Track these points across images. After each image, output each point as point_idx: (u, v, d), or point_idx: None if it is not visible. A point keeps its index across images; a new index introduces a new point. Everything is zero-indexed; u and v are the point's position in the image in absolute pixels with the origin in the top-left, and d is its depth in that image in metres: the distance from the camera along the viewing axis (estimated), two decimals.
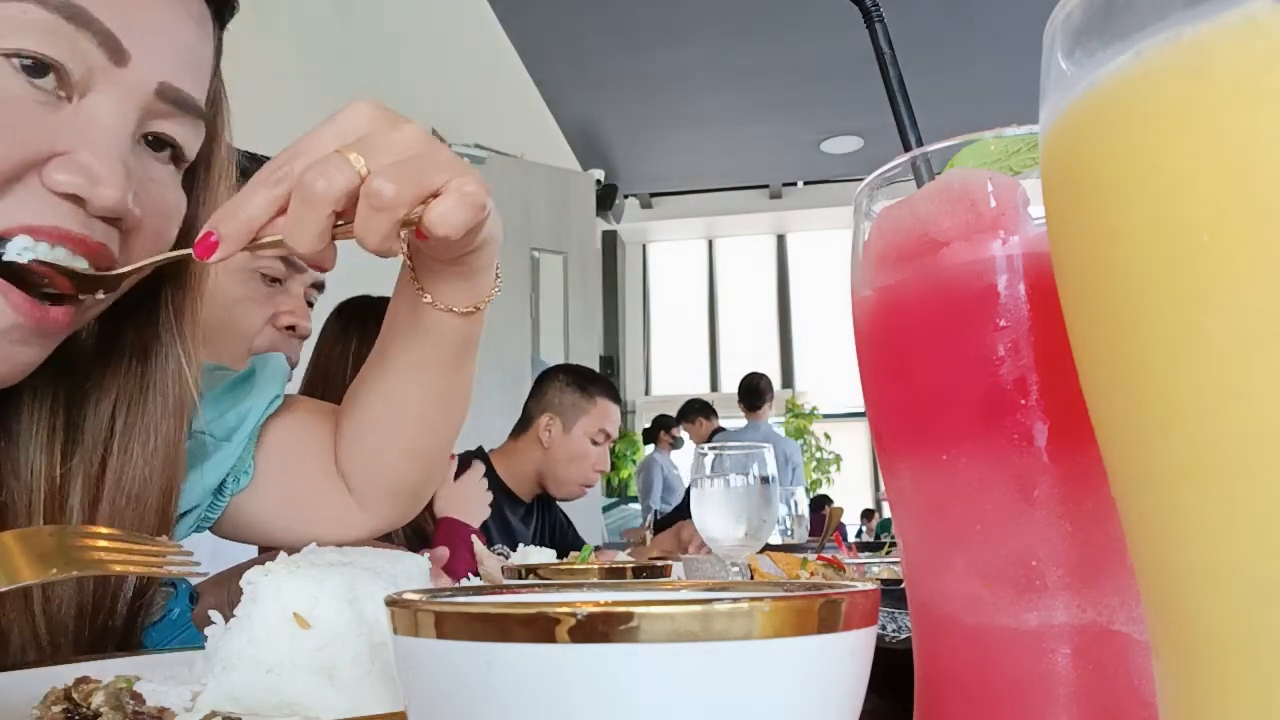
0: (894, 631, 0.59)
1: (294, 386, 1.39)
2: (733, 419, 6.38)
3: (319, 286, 1.28)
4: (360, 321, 1.66)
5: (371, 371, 0.80)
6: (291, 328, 1.21)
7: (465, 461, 2.21)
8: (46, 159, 0.57)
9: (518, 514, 2.30)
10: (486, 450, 2.37)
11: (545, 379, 2.41)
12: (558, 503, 2.49)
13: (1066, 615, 0.31)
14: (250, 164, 1.18)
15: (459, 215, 0.58)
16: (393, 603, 0.25)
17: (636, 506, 6.64)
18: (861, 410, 0.42)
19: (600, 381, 2.40)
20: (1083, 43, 0.22)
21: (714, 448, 1.25)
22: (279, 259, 1.18)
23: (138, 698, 0.47)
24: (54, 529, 0.52)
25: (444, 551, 1.35)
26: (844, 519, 6.14)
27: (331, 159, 0.56)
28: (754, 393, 5.65)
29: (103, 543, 0.52)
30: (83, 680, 0.47)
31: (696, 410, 6.15)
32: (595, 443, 2.31)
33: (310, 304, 1.27)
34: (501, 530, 2.17)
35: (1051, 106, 0.23)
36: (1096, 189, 0.21)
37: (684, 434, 6.62)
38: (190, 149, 0.68)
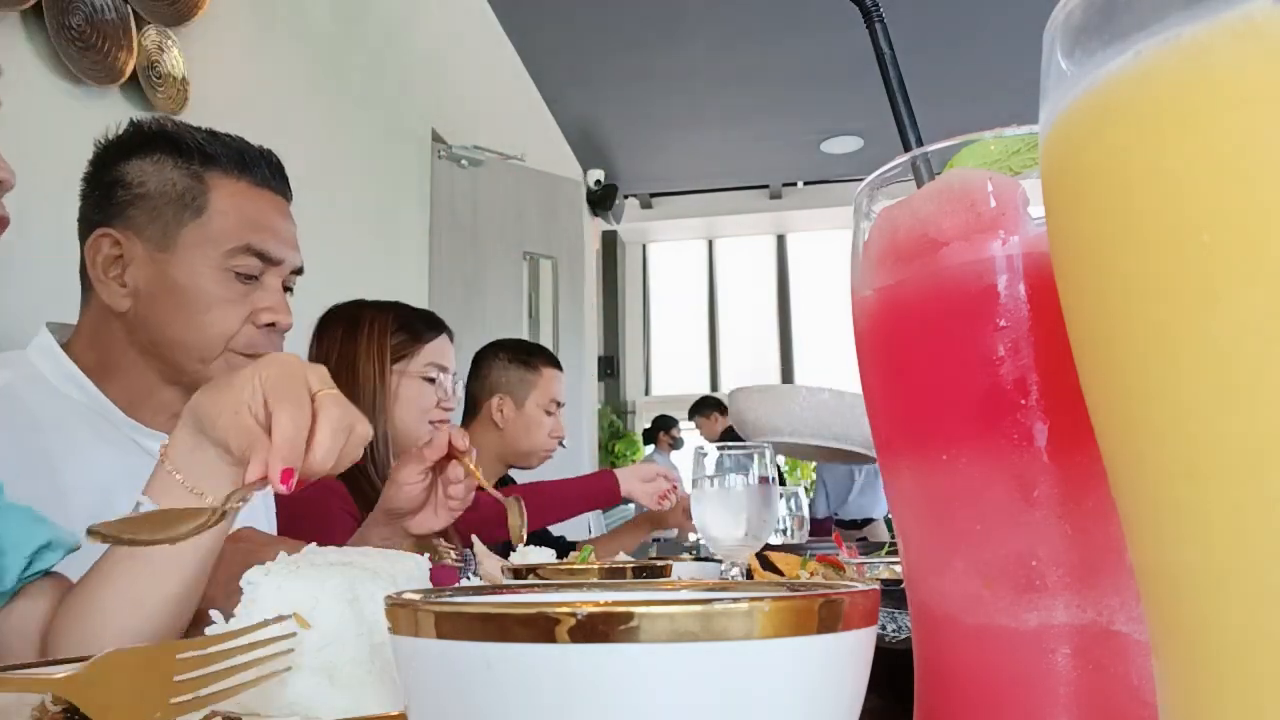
0: (894, 631, 0.59)
1: None
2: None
3: (298, 272, 1.23)
4: (320, 329, 1.74)
5: (109, 575, 0.79)
6: (272, 324, 1.17)
7: None
8: None
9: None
10: None
11: (483, 360, 2.36)
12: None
13: (1066, 615, 0.31)
14: (211, 143, 1.16)
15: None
16: (393, 603, 0.25)
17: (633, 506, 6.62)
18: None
19: (540, 352, 2.41)
20: (1083, 43, 0.22)
21: (720, 447, 1.24)
22: (254, 255, 1.15)
23: None
24: (160, 649, 0.44)
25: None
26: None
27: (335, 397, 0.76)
28: None
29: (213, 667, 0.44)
30: None
31: (710, 405, 6.12)
32: (548, 413, 2.32)
33: (289, 290, 1.23)
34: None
35: (1051, 106, 0.23)
36: (1096, 189, 0.21)
37: (683, 435, 6.59)
38: None
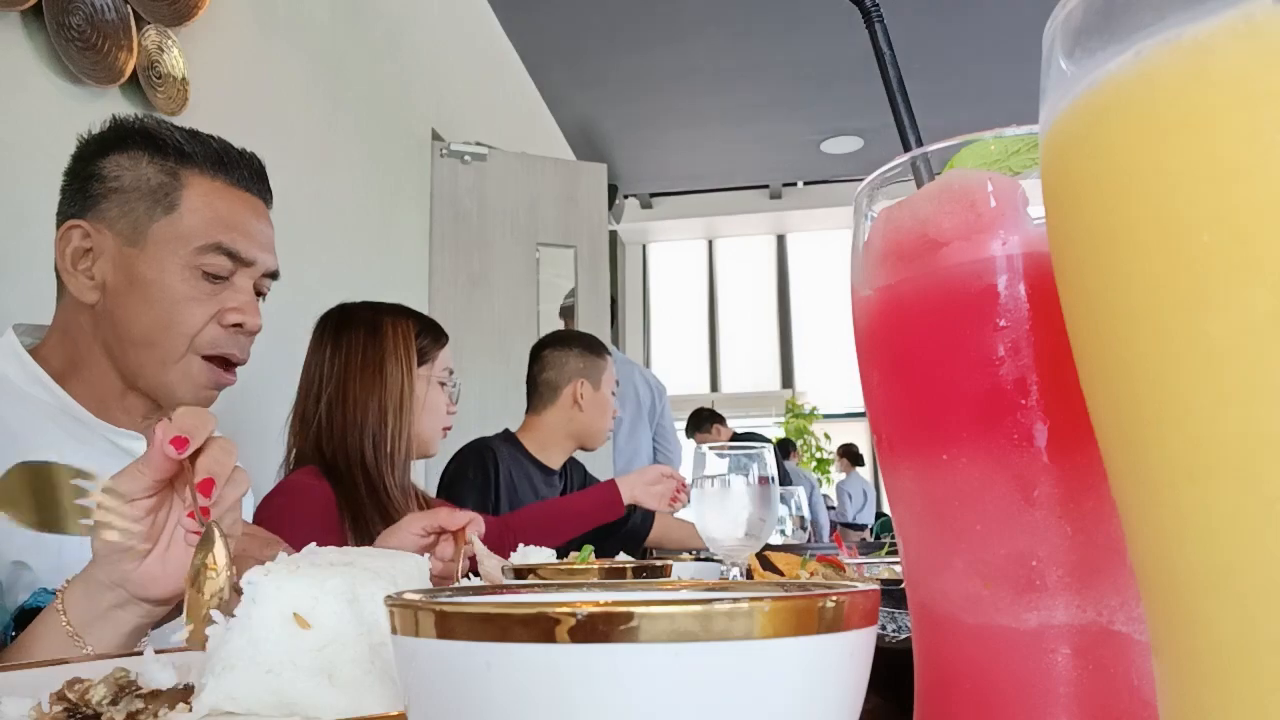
0: (894, 631, 0.59)
1: (244, 389, 1.33)
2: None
3: (272, 276, 1.20)
4: (334, 329, 1.75)
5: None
6: (239, 325, 1.15)
7: (485, 445, 2.38)
8: None
9: (550, 482, 2.46)
10: (512, 431, 2.54)
11: (554, 352, 2.57)
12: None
13: (1066, 615, 0.31)
14: (190, 141, 1.15)
15: None
16: (393, 603, 0.25)
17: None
18: (861, 410, 0.42)
19: (600, 342, 2.67)
20: (1083, 43, 0.22)
21: (714, 448, 1.24)
22: (225, 255, 1.13)
23: (133, 685, 0.47)
24: None
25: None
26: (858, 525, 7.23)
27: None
28: (851, 455, 8.30)
29: None
30: (75, 680, 0.47)
31: (709, 418, 5.89)
32: (613, 393, 2.57)
33: (261, 295, 1.20)
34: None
35: (1051, 106, 0.23)
36: (1096, 189, 0.21)
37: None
38: None
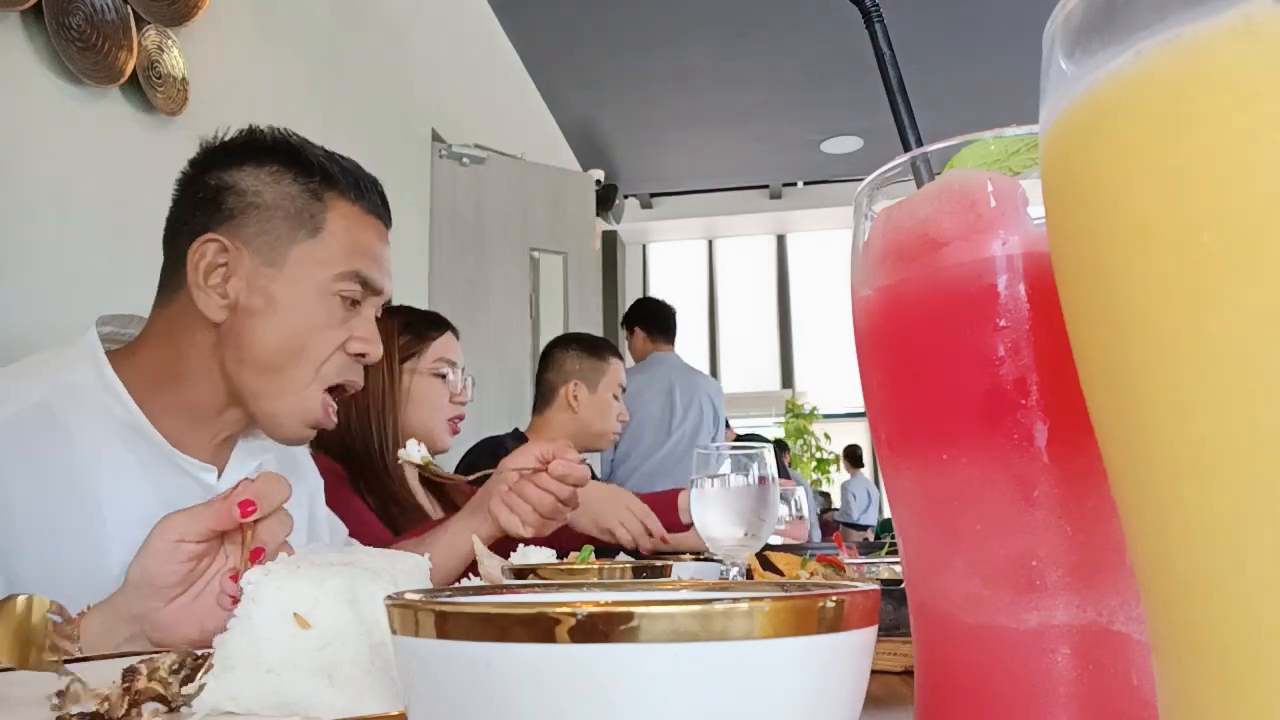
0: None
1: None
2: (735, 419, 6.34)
3: (388, 303, 1.18)
4: None
5: None
6: (362, 354, 1.11)
7: (498, 442, 2.37)
8: None
9: None
10: (521, 430, 2.55)
11: (556, 352, 2.56)
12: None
13: (1066, 615, 0.31)
14: (331, 163, 1.12)
15: None
16: (393, 603, 0.25)
17: None
18: (861, 410, 0.42)
19: (606, 344, 2.62)
20: (1083, 43, 0.22)
21: (716, 447, 1.25)
22: (359, 283, 1.09)
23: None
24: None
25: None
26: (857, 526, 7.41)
27: None
28: (852, 457, 8.52)
29: None
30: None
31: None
32: (615, 397, 2.52)
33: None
34: None
35: (1051, 106, 0.23)
36: (1096, 189, 0.21)
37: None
38: None
